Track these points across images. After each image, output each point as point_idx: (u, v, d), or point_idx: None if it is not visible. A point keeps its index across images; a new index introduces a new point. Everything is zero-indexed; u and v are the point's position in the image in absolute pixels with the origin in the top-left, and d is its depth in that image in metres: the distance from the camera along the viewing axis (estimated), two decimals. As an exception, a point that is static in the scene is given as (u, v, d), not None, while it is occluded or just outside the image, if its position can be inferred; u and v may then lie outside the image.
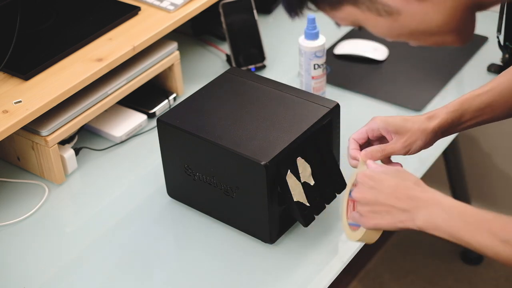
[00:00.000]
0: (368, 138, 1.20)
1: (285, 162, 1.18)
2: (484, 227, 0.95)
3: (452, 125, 1.17)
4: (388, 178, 1.04)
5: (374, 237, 1.09)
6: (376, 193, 1.03)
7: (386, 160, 1.19)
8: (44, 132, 1.37)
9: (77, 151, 1.47)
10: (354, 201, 1.11)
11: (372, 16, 0.89)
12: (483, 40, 1.73)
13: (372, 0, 0.87)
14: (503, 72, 1.19)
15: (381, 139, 1.20)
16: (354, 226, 1.10)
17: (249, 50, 1.69)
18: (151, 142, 1.51)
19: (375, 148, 1.16)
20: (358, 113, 1.49)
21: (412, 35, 0.92)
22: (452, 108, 1.17)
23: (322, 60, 1.53)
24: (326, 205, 1.26)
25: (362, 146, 1.20)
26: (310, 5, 0.91)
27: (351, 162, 1.18)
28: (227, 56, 1.71)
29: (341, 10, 0.90)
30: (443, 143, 1.48)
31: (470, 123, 1.18)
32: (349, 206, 1.13)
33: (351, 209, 1.12)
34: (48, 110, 1.35)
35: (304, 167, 1.21)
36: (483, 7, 0.90)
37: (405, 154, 1.17)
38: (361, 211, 1.05)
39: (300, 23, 1.62)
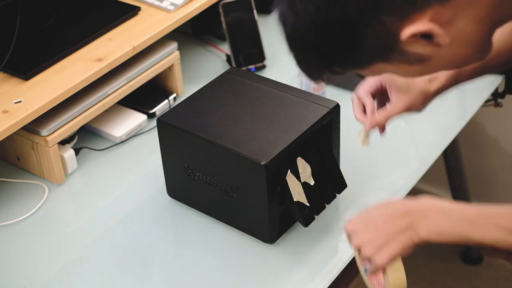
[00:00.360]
0: (377, 90, 1.21)
1: (285, 162, 1.18)
2: (488, 223, 0.94)
3: (451, 86, 1.18)
4: (374, 210, 1.02)
5: (401, 277, 1.03)
6: (371, 229, 1.00)
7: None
8: (44, 132, 1.37)
9: (77, 151, 1.47)
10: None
11: (404, 66, 0.88)
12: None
13: (403, 53, 0.85)
14: None
15: (382, 98, 1.21)
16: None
17: (249, 50, 1.69)
18: (151, 142, 1.50)
19: (380, 117, 1.17)
20: (358, 113, 1.48)
21: (443, 68, 0.92)
22: (451, 71, 1.17)
23: (322, 60, 1.52)
24: (326, 205, 1.26)
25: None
26: (336, 69, 0.88)
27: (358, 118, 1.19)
28: (227, 56, 1.71)
29: (371, 68, 0.88)
30: (443, 143, 1.48)
31: (465, 82, 1.19)
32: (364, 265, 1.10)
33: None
34: (48, 110, 1.35)
35: (304, 167, 1.21)
36: (502, 23, 0.89)
37: (405, 113, 1.17)
38: (369, 254, 1.00)
39: (300, 23, 1.62)
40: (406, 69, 0.89)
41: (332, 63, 0.87)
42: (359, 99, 1.22)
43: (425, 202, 0.99)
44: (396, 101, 1.17)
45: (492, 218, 0.94)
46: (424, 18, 0.81)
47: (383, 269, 1.02)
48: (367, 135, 1.22)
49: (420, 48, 0.84)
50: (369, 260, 1.01)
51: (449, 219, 0.96)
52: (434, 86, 1.17)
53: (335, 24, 0.81)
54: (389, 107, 1.19)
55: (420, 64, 0.87)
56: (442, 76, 1.17)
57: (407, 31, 0.81)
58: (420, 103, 1.17)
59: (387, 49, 0.84)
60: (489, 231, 0.94)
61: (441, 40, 0.82)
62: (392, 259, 1.00)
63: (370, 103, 1.20)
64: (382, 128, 1.23)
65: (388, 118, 1.18)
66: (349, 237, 1.05)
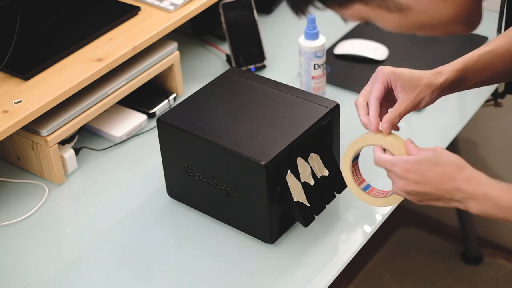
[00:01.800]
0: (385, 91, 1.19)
1: (285, 162, 1.18)
2: None
3: (456, 83, 1.17)
4: (431, 168, 1.04)
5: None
6: (422, 187, 1.04)
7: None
8: (44, 132, 1.37)
9: (77, 151, 1.47)
10: (356, 165, 1.15)
11: (382, 13, 0.89)
12: (483, 40, 1.73)
13: None
14: (500, 35, 1.19)
15: (388, 97, 1.19)
16: (370, 189, 1.15)
17: (249, 50, 1.69)
18: (151, 142, 1.51)
19: (392, 116, 1.15)
20: (358, 113, 1.48)
21: (422, 28, 0.92)
22: (457, 67, 1.16)
23: (322, 60, 1.53)
24: (326, 205, 1.26)
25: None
26: (317, 4, 0.90)
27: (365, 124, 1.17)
28: (227, 56, 1.71)
29: (350, 8, 0.89)
30: (443, 143, 1.48)
31: (471, 83, 1.18)
32: (353, 174, 1.16)
33: (359, 174, 1.16)
34: (48, 110, 1.35)
35: (304, 167, 1.21)
36: None
37: (414, 109, 1.17)
38: (411, 198, 1.07)
39: (300, 23, 1.62)
40: (384, 16, 0.89)
41: None
42: (363, 104, 1.19)
43: (475, 183, 1.01)
44: (403, 98, 1.16)
45: None
46: None
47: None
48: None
49: None
50: (414, 197, 1.06)
51: (499, 207, 1.00)
52: (441, 79, 1.15)
53: None
54: (396, 105, 1.17)
55: (399, 14, 0.88)
56: (447, 69, 1.17)
57: None
58: (428, 96, 1.15)
59: None
60: None
61: None
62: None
63: (375, 107, 1.18)
64: (395, 128, 1.20)
65: (398, 115, 1.16)
66: (398, 177, 1.07)
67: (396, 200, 1.13)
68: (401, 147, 1.08)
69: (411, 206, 2.30)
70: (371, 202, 1.16)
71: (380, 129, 1.13)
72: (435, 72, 1.16)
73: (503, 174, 2.16)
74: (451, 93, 1.19)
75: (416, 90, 1.15)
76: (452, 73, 1.16)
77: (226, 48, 1.73)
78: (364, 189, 1.16)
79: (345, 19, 0.93)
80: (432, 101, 1.16)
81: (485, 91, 1.59)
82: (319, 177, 1.24)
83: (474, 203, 1.01)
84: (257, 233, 1.26)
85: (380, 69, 1.17)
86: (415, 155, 1.06)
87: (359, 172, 1.18)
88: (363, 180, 1.18)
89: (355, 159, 1.16)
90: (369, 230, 1.29)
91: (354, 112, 1.50)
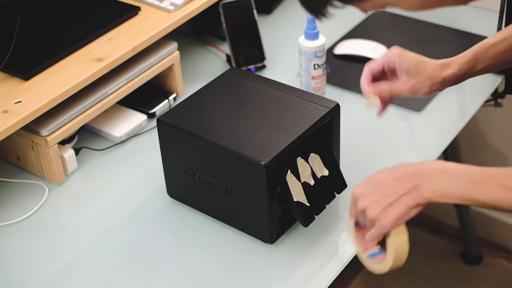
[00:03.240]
0: (383, 69, 1.22)
1: (285, 162, 1.18)
2: (493, 183, 0.94)
3: (465, 74, 1.18)
4: (381, 173, 1.03)
5: (403, 253, 1.04)
6: (377, 190, 1.01)
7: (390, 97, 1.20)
8: (44, 132, 1.37)
9: (77, 151, 1.47)
10: (362, 229, 1.11)
11: None
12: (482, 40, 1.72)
13: None
14: None
15: (394, 73, 1.22)
16: (377, 257, 1.10)
17: (249, 50, 1.69)
18: (151, 142, 1.51)
19: (383, 87, 1.18)
20: (358, 113, 1.49)
21: (439, 2, 0.90)
22: (466, 59, 1.17)
23: (322, 60, 1.53)
24: (326, 205, 1.26)
25: (376, 78, 1.23)
26: (336, 3, 0.88)
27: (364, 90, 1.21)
28: (227, 56, 1.71)
29: (371, 1, 0.88)
30: (443, 143, 1.48)
31: (483, 71, 1.18)
32: (359, 239, 1.12)
33: (364, 239, 1.10)
34: (48, 110, 1.35)
35: (304, 167, 1.21)
36: None
37: (410, 95, 1.18)
38: (374, 214, 1.01)
39: (300, 23, 1.62)
40: None
41: None
42: (368, 71, 1.23)
43: (430, 164, 0.98)
44: (403, 81, 1.18)
45: (496, 178, 0.94)
46: None
47: (387, 234, 1.02)
48: (370, 99, 1.22)
49: None
50: (373, 222, 1.02)
51: (454, 180, 0.96)
52: (447, 72, 1.16)
53: None
54: (394, 83, 1.19)
55: None
56: (456, 62, 1.17)
57: None
58: (426, 88, 1.17)
59: None
60: (493, 191, 0.94)
61: None
62: (397, 220, 1.00)
63: (366, 76, 1.22)
64: (383, 103, 1.22)
65: (390, 91, 1.18)
66: (355, 201, 1.04)
67: (388, 264, 1.06)
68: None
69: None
70: (373, 270, 1.11)
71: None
72: (443, 64, 1.17)
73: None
74: (461, 81, 1.20)
75: (416, 78, 1.16)
76: (460, 66, 1.16)
77: (226, 48, 1.73)
78: (369, 257, 1.11)
79: (365, 11, 0.91)
80: (430, 92, 1.18)
81: (485, 91, 1.59)
82: (319, 177, 1.24)
83: (429, 182, 0.97)
84: (257, 233, 1.26)
85: (391, 49, 1.20)
86: None
87: (365, 237, 1.11)
88: (368, 247, 1.11)
89: (358, 224, 1.13)
90: (369, 230, 1.29)
91: (354, 112, 1.50)
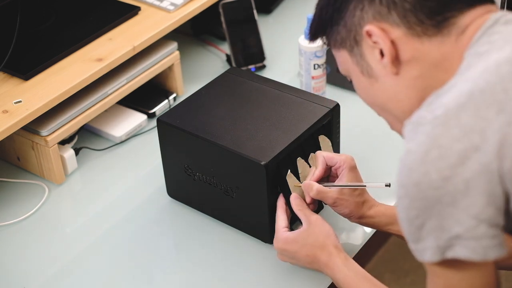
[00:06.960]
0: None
1: (285, 162, 1.18)
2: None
3: (379, 225, 1.20)
4: (300, 249, 1.13)
5: None
6: (295, 262, 1.17)
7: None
8: (44, 132, 1.37)
9: (77, 151, 1.47)
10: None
11: (357, 71, 0.95)
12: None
13: (362, 56, 0.93)
14: None
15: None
16: None
17: (249, 50, 1.69)
18: (151, 142, 1.51)
19: (317, 187, 1.17)
20: (358, 113, 1.48)
21: (384, 110, 0.96)
22: (386, 214, 1.19)
23: (322, 60, 1.53)
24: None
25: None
26: (323, 38, 0.99)
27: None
28: (227, 56, 1.71)
29: (340, 53, 0.97)
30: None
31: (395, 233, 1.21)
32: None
33: None
34: (48, 110, 1.35)
35: (304, 167, 1.21)
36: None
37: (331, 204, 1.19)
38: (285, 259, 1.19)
39: (300, 23, 1.62)
40: (358, 77, 0.96)
41: (321, 31, 0.99)
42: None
43: (327, 266, 1.13)
44: (332, 192, 1.17)
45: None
46: (389, 31, 0.89)
47: None
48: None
49: (373, 59, 0.91)
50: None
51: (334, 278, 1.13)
52: (369, 213, 1.18)
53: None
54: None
55: (368, 80, 0.94)
56: (378, 211, 1.19)
57: (367, 27, 0.90)
58: (348, 210, 1.17)
59: (352, 40, 0.93)
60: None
61: (386, 60, 0.90)
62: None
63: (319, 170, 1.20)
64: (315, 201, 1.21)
65: (320, 190, 1.17)
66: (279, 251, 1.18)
67: None
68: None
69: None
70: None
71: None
72: (368, 206, 1.18)
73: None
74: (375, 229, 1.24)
75: (342, 201, 1.17)
76: (379, 218, 1.19)
77: (226, 48, 1.73)
78: None
79: (337, 68, 1.01)
80: (349, 215, 1.19)
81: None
82: None
83: (326, 271, 1.13)
84: (257, 233, 1.26)
85: (316, 153, 1.21)
86: (293, 232, 1.15)
87: None
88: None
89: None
90: (369, 230, 1.29)
91: (354, 112, 1.50)
